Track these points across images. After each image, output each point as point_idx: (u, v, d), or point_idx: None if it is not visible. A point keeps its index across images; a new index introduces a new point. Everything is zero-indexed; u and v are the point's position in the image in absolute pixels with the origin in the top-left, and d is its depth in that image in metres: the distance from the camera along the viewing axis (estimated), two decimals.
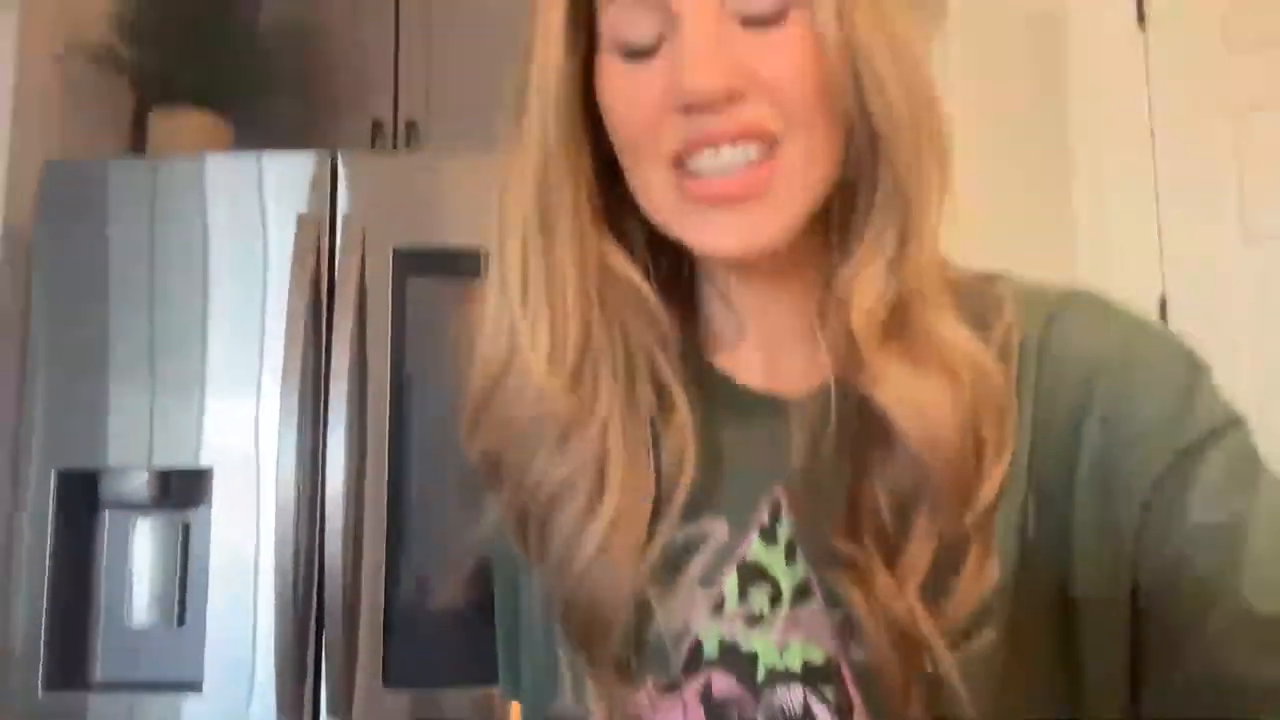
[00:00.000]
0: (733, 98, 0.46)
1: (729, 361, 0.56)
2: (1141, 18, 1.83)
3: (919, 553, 0.46)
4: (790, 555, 0.51)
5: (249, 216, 1.43)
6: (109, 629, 1.40)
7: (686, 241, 0.50)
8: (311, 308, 1.38)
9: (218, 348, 1.40)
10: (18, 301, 1.45)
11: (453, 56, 1.84)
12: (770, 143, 0.47)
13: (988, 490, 0.46)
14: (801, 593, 0.50)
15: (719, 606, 0.51)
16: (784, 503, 0.51)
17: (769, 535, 0.51)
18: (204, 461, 1.38)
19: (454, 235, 1.45)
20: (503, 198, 0.52)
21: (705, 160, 0.47)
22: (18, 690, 1.33)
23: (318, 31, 1.84)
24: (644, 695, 0.51)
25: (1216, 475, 0.44)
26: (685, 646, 0.51)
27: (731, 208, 0.47)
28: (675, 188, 0.48)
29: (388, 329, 1.42)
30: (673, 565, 0.52)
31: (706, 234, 0.48)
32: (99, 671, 1.40)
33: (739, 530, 0.52)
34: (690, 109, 0.46)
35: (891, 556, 0.46)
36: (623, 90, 0.49)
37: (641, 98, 0.48)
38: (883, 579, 0.46)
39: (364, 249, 1.42)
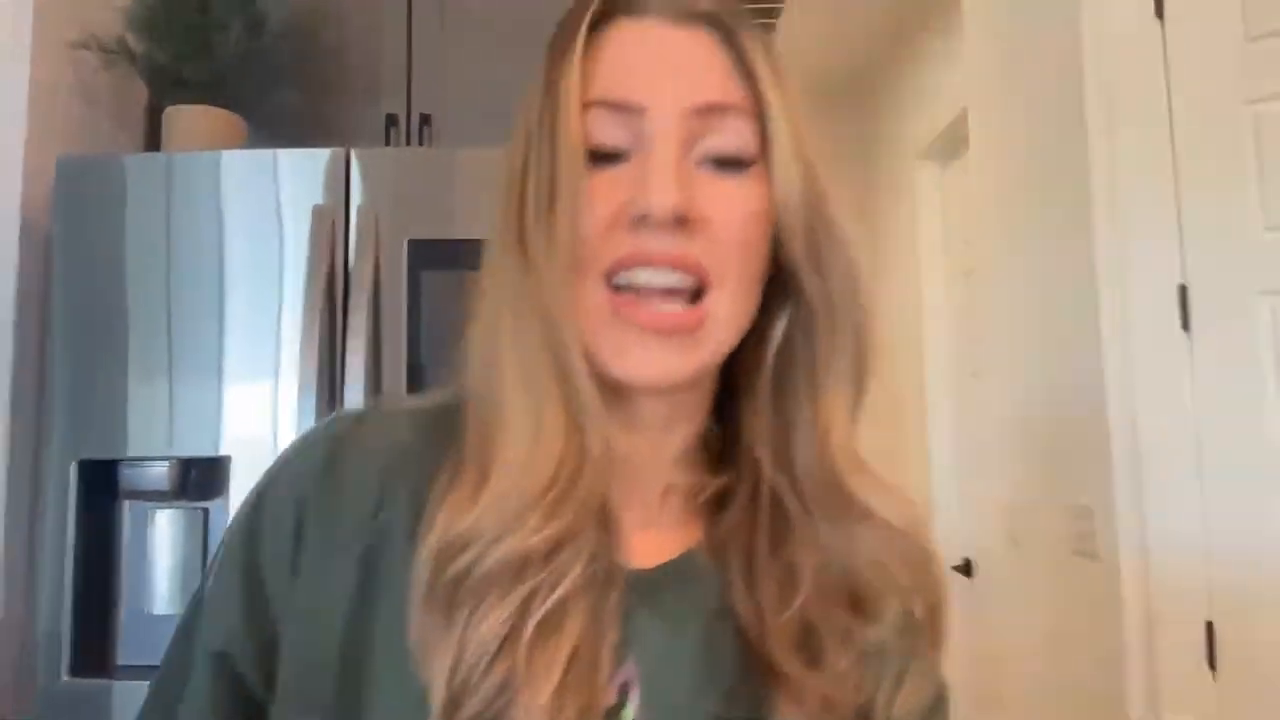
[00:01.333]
0: (683, 224, 0.48)
1: None
2: (1160, 10, 1.81)
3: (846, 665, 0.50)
4: None
5: (264, 211, 1.44)
6: (131, 616, 1.43)
7: (611, 362, 0.49)
8: (326, 298, 1.39)
9: (235, 338, 1.42)
10: (37, 295, 1.47)
11: (467, 50, 1.85)
12: (701, 282, 0.49)
13: None
14: None
15: None
16: (635, 683, 0.49)
17: (613, 718, 0.49)
18: (223, 450, 1.40)
19: (468, 228, 1.46)
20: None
21: (638, 275, 0.49)
22: (44, 676, 1.35)
23: (330, 25, 1.85)
24: None
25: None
26: None
27: (661, 338, 0.49)
28: (609, 305, 0.49)
29: (402, 320, 1.43)
30: None
31: (638, 360, 0.49)
32: (122, 657, 1.42)
33: (584, 712, 0.47)
34: (643, 223, 0.48)
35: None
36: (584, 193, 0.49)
37: (599, 205, 0.49)
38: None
39: (378, 241, 1.43)
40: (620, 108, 0.50)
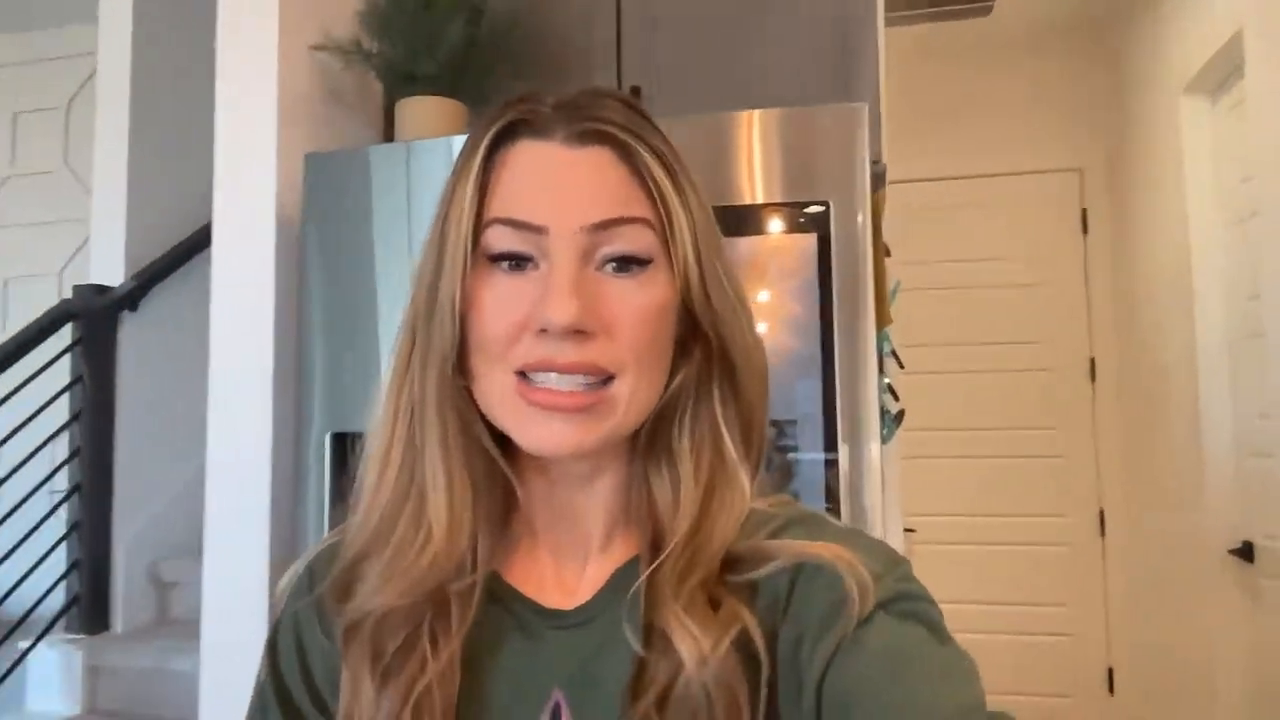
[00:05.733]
0: (582, 333, 0.54)
1: (518, 574, 0.62)
2: None
3: None
4: None
5: None
6: None
7: (520, 439, 0.57)
8: None
9: None
10: (294, 283, 1.61)
11: (674, 21, 1.82)
12: (604, 378, 0.56)
13: None
14: None
15: None
16: (564, 705, 0.57)
17: None
18: None
19: None
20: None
21: (546, 378, 0.55)
22: None
23: (543, 10, 1.89)
24: None
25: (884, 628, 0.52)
26: None
27: (565, 416, 0.55)
28: (516, 393, 0.56)
29: None
30: None
31: (541, 435, 0.55)
32: None
33: None
34: (545, 334, 0.54)
35: None
36: (494, 297, 0.56)
37: (508, 310, 0.56)
38: None
39: None
40: (522, 226, 0.55)
